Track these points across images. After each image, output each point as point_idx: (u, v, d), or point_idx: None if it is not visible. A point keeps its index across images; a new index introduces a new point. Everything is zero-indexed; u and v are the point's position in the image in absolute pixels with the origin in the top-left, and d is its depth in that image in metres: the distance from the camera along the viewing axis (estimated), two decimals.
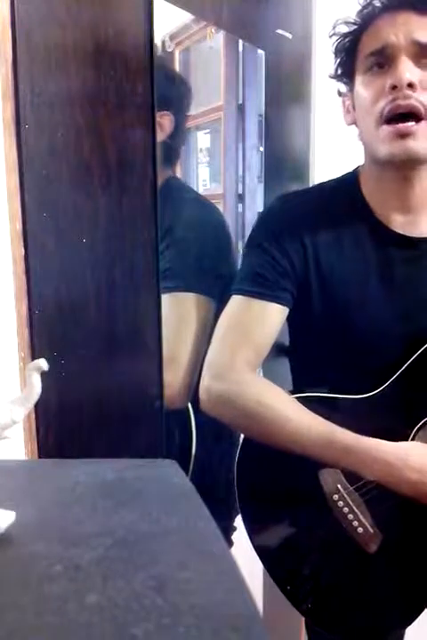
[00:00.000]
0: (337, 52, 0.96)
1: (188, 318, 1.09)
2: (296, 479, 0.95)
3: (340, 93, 0.99)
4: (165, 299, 0.99)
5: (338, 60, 0.96)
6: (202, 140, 1.96)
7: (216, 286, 1.12)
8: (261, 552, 1.00)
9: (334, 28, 0.94)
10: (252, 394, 0.93)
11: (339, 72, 0.97)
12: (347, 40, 0.94)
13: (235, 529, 1.20)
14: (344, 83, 0.97)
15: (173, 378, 1.05)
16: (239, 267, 1.03)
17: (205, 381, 0.95)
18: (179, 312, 1.08)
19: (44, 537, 0.40)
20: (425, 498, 0.88)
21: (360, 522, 0.92)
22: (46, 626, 0.31)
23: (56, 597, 0.34)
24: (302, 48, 1.47)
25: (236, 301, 0.97)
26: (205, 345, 1.06)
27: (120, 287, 0.85)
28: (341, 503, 0.92)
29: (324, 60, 1.47)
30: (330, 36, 0.95)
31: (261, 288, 0.94)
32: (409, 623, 0.98)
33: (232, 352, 0.94)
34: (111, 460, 0.53)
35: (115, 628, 0.31)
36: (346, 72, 0.96)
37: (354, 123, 0.95)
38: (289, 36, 1.38)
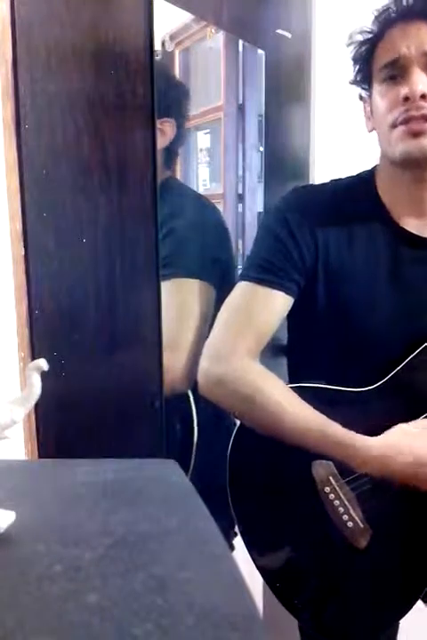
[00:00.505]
0: (355, 61, 0.98)
1: (189, 303, 1.10)
2: (289, 471, 0.95)
3: (361, 98, 1.01)
4: (166, 285, 0.99)
5: (356, 68, 0.98)
6: (202, 140, 1.96)
7: (216, 273, 1.12)
8: (250, 545, 1.00)
9: (350, 37, 0.97)
10: (250, 380, 0.93)
11: (358, 79, 0.99)
12: (363, 49, 0.96)
13: (236, 534, 1.20)
14: (364, 89, 0.99)
15: (176, 362, 1.06)
16: (249, 253, 1.03)
17: (203, 364, 0.95)
18: (180, 297, 1.08)
19: (44, 537, 0.40)
20: (423, 481, 0.88)
21: (350, 516, 0.92)
22: (46, 626, 0.31)
23: (56, 597, 0.34)
24: (302, 48, 1.47)
25: (242, 287, 0.97)
26: (206, 330, 1.06)
27: (120, 287, 0.85)
28: (332, 496, 0.92)
29: (324, 60, 1.48)
30: (347, 45, 0.97)
31: (268, 275, 0.95)
32: (400, 617, 0.98)
33: (234, 337, 0.94)
34: (111, 460, 0.53)
35: (115, 627, 0.31)
36: (364, 79, 0.98)
37: (373, 129, 0.97)
38: (289, 35, 1.39)
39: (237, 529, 1.18)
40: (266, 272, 0.95)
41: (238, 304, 0.97)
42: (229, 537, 1.20)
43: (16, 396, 0.42)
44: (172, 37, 1.76)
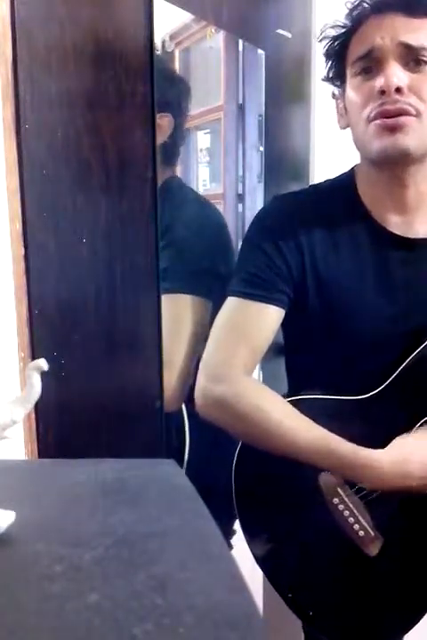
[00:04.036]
0: (328, 56, 0.96)
1: (183, 320, 1.09)
2: (296, 482, 0.94)
3: (334, 96, 0.99)
4: (162, 299, 0.99)
5: (329, 64, 0.96)
6: (202, 140, 1.96)
7: (213, 287, 1.11)
8: (260, 559, 0.99)
9: (322, 31, 0.94)
10: (248, 398, 0.92)
11: (331, 75, 0.97)
12: (336, 44, 0.93)
13: (234, 533, 1.19)
14: (336, 86, 0.97)
15: (168, 380, 1.04)
16: (235, 268, 1.02)
17: (200, 384, 0.94)
18: (174, 313, 1.07)
19: (44, 537, 0.40)
20: None
21: (361, 525, 0.91)
22: (46, 626, 0.31)
23: (56, 597, 0.34)
24: (302, 48, 1.47)
25: (231, 303, 0.96)
26: (200, 347, 1.05)
27: (120, 287, 0.85)
28: (341, 506, 0.91)
29: (324, 60, 1.48)
30: (319, 40, 0.95)
31: (257, 290, 0.93)
32: (410, 628, 0.97)
33: (228, 354, 0.93)
34: (111, 460, 0.53)
35: (115, 628, 0.31)
36: (337, 75, 0.95)
37: (347, 126, 0.95)
38: (289, 35, 1.39)
39: (234, 528, 1.18)
40: (254, 287, 0.93)
41: (230, 321, 0.96)
42: (227, 537, 1.19)
43: (16, 396, 0.42)
44: (172, 37, 1.76)
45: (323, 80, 0.98)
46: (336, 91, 0.98)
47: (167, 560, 0.37)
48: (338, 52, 0.93)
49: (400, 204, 0.94)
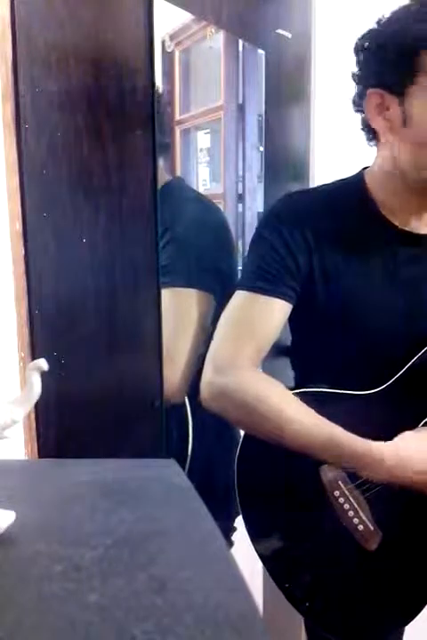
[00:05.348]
0: (392, 48, 0.83)
1: (187, 313, 1.09)
2: (297, 475, 0.95)
3: (381, 96, 0.86)
4: (165, 294, 0.99)
5: (391, 58, 0.84)
6: (202, 139, 1.96)
7: (216, 282, 1.12)
8: (261, 550, 1.00)
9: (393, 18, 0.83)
10: (254, 389, 0.92)
11: (387, 70, 0.85)
12: (413, 41, 0.81)
13: (235, 529, 1.20)
14: (392, 88, 0.85)
15: (172, 373, 1.05)
16: (244, 262, 1.03)
17: (207, 376, 0.95)
18: (178, 307, 1.08)
19: (44, 537, 0.40)
20: None
21: (361, 519, 0.92)
22: (46, 626, 0.31)
23: (56, 597, 0.34)
24: (302, 48, 1.47)
25: (240, 296, 0.97)
26: (203, 340, 1.06)
27: (120, 287, 0.85)
28: (342, 499, 0.92)
29: (324, 60, 1.48)
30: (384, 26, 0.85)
31: (265, 284, 0.94)
32: (408, 622, 0.98)
33: (235, 347, 0.94)
34: (111, 460, 0.53)
35: (115, 628, 0.31)
36: (400, 74, 0.83)
37: (393, 137, 0.88)
38: (289, 35, 1.39)
39: (235, 524, 1.18)
40: (262, 280, 0.94)
41: (237, 314, 0.96)
42: (227, 534, 1.20)
43: (16, 396, 0.42)
44: (172, 37, 1.76)
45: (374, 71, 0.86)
46: (383, 91, 0.86)
47: (167, 560, 0.37)
48: (410, 50, 0.80)
49: (419, 208, 0.94)
